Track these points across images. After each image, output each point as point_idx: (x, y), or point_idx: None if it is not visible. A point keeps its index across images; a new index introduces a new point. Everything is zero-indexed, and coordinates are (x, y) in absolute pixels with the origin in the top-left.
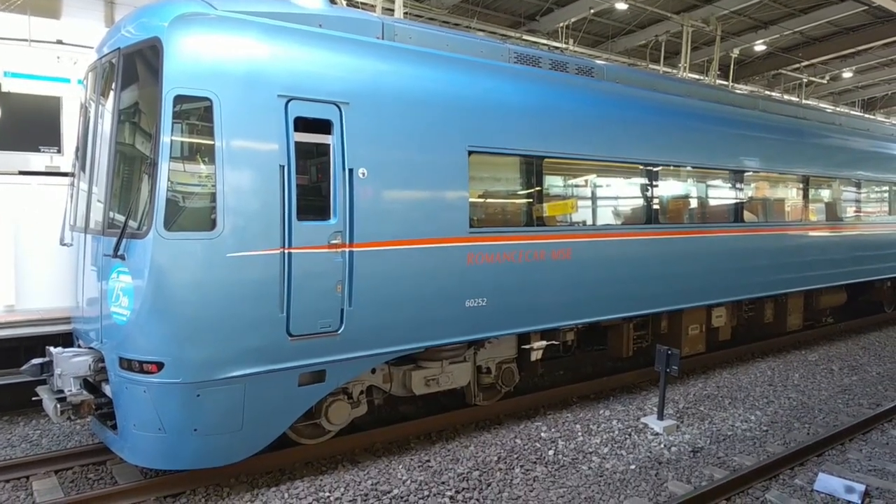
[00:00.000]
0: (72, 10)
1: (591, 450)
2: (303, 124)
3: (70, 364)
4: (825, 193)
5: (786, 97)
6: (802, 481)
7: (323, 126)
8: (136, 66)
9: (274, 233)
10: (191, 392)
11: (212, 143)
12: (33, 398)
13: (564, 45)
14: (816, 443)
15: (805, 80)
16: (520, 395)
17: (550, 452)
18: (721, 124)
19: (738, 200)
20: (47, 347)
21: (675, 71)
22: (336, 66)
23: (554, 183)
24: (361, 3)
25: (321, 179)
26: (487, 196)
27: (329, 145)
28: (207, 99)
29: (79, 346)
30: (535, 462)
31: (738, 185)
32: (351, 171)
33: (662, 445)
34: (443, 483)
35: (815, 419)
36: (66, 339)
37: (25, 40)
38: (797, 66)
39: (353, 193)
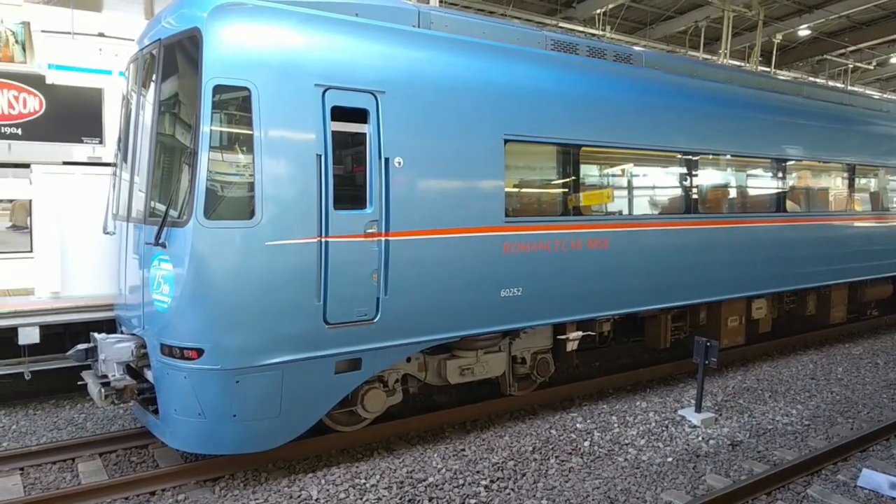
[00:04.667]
0: (113, 3)
1: (627, 441)
2: (339, 113)
3: (113, 350)
4: (871, 182)
5: (831, 83)
6: (846, 477)
7: (359, 115)
8: (176, 56)
9: (311, 221)
10: (230, 378)
11: (250, 132)
12: (79, 382)
13: (601, 32)
14: (860, 438)
15: (851, 66)
16: (555, 385)
17: (586, 443)
18: (763, 111)
19: (780, 189)
20: (91, 333)
21: (715, 57)
22: (372, 54)
23: (591, 171)
24: None
25: (357, 168)
26: (523, 185)
27: (365, 134)
28: (246, 88)
29: (122, 333)
30: (570, 453)
31: (780, 174)
32: (387, 160)
33: (700, 438)
34: (478, 472)
35: (860, 414)
36: (110, 326)
37: (68, 33)
38: (843, 51)
39: (389, 182)
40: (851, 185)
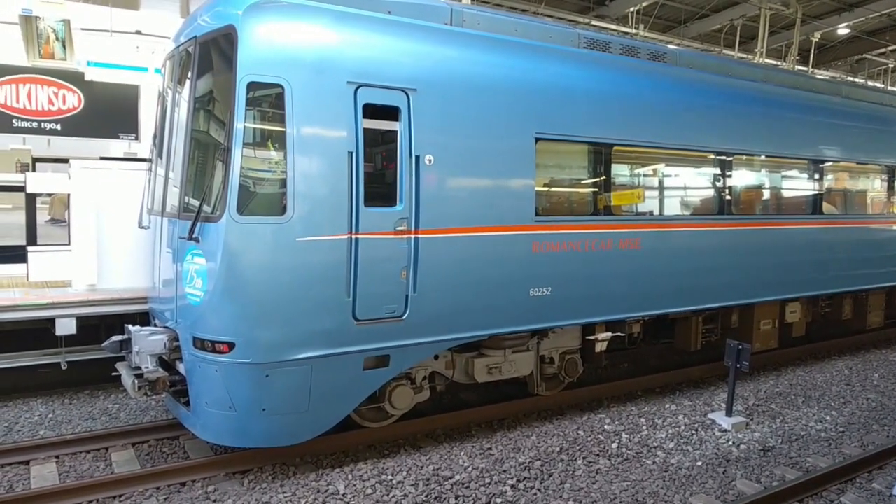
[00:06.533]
0: (150, 2)
1: (655, 444)
2: (371, 111)
3: (147, 342)
4: None
5: (870, 83)
6: (881, 486)
7: (391, 112)
8: (211, 54)
9: (342, 218)
10: (260, 372)
11: (283, 129)
12: (113, 373)
13: (634, 31)
14: None
15: (892, 66)
16: (583, 386)
17: (614, 445)
18: (800, 111)
19: (816, 191)
20: (126, 325)
21: (750, 56)
22: (404, 52)
23: (622, 171)
24: None
25: (388, 166)
26: (554, 184)
27: (396, 132)
28: (279, 86)
29: (155, 325)
30: (597, 454)
31: (816, 175)
32: (418, 157)
33: (731, 443)
34: (504, 471)
35: None
36: (144, 318)
37: (107, 31)
38: (883, 50)
39: (419, 180)
40: (891, 188)
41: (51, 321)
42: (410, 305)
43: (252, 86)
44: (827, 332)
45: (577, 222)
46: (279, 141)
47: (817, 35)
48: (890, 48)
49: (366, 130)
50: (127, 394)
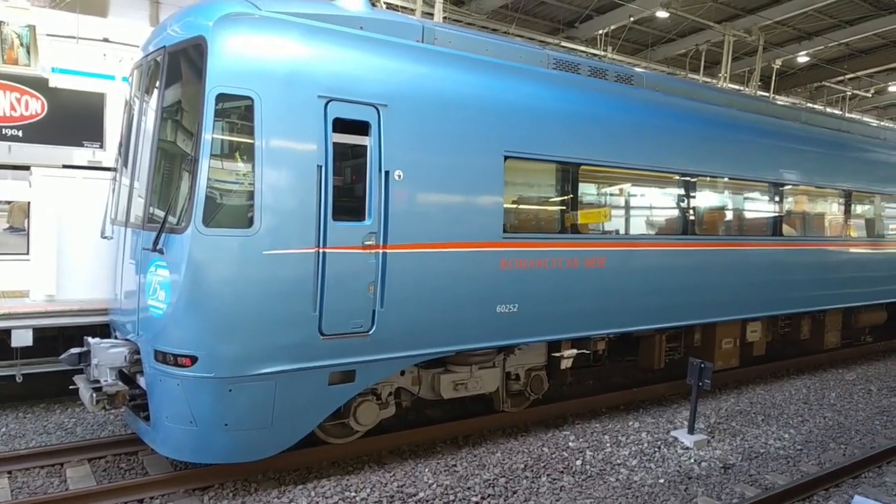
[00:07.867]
0: (119, 10)
1: (619, 461)
2: (341, 125)
3: (107, 355)
4: (867, 209)
5: (828, 110)
6: (837, 503)
7: (361, 127)
8: (180, 64)
9: (309, 232)
10: (223, 387)
11: (252, 141)
12: (70, 387)
13: (603, 53)
14: (853, 464)
15: (849, 94)
16: (548, 403)
17: (578, 462)
18: (761, 135)
19: (776, 213)
20: (85, 338)
21: (714, 81)
22: (376, 68)
23: (589, 190)
24: (401, 7)
25: (357, 180)
26: (522, 202)
27: (366, 146)
28: (249, 98)
29: (116, 338)
30: (562, 471)
31: (776, 198)
32: (387, 172)
33: (692, 460)
34: (468, 488)
35: (852, 440)
36: (104, 330)
37: (73, 37)
38: (841, 78)
39: (388, 195)
40: (847, 211)
41: (6, 332)
42: (377, 321)
43: (221, 97)
44: (786, 351)
45: (545, 240)
46: (247, 153)
47: (778, 62)
48: (848, 76)
49: (335, 145)
50: (84, 408)
